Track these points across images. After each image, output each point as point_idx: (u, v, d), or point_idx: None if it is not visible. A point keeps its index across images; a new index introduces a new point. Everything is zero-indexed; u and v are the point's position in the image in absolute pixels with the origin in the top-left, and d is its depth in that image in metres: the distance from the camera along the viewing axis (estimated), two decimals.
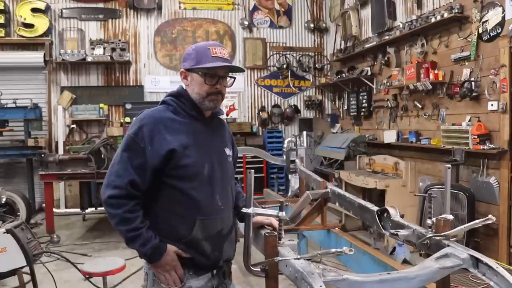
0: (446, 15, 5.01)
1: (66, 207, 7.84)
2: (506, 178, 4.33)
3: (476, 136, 4.53)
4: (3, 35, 7.65)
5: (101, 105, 8.10)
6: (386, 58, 6.62)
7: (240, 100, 8.84)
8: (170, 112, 1.82)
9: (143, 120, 1.76)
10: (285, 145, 8.41)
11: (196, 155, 1.78)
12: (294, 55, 9.02)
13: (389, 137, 6.30)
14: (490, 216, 1.53)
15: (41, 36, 7.77)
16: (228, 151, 1.97)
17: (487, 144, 4.46)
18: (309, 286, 1.34)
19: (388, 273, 1.45)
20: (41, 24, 7.77)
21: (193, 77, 1.83)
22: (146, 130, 1.73)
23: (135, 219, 1.70)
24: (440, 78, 5.21)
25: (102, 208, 7.79)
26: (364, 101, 7.29)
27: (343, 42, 8.14)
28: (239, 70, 1.95)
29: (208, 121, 1.90)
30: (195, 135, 1.82)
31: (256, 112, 8.91)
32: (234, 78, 1.91)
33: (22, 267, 3.25)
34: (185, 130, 1.79)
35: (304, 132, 8.35)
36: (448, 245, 1.58)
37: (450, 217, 1.68)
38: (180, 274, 1.78)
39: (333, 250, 1.35)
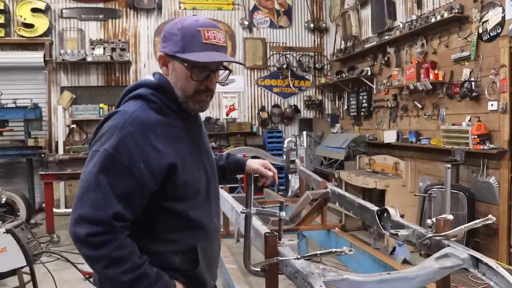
0: (446, 15, 5.00)
1: (66, 207, 7.83)
2: (506, 178, 4.33)
3: (476, 136, 4.53)
4: (3, 35, 7.64)
5: (101, 105, 8.10)
6: (386, 58, 6.62)
7: (240, 100, 8.83)
8: (154, 111, 1.38)
9: (124, 128, 1.30)
10: (285, 145, 8.40)
11: (194, 167, 1.44)
12: (294, 55, 9.02)
13: (389, 137, 6.30)
14: (490, 216, 1.53)
15: (41, 36, 7.77)
16: (213, 154, 1.65)
17: (487, 144, 4.46)
18: (309, 286, 1.34)
19: (388, 273, 1.45)
20: (41, 24, 7.76)
21: (175, 67, 1.40)
22: (131, 142, 1.29)
23: (130, 255, 1.29)
24: (440, 78, 5.21)
25: None
26: (364, 101, 7.29)
27: (343, 42, 8.14)
28: (237, 62, 1.66)
29: (194, 120, 1.53)
30: (189, 142, 1.45)
31: (256, 112, 8.91)
32: (230, 70, 1.49)
33: (22, 267, 3.25)
34: (179, 136, 1.42)
35: (304, 132, 8.35)
36: (448, 245, 1.58)
37: (450, 217, 1.68)
38: None
39: (333, 250, 1.35)
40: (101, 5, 8.29)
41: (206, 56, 1.35)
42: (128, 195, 1.28)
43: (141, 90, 1.43)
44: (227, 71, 1.47)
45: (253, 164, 1.80)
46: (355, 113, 7.60)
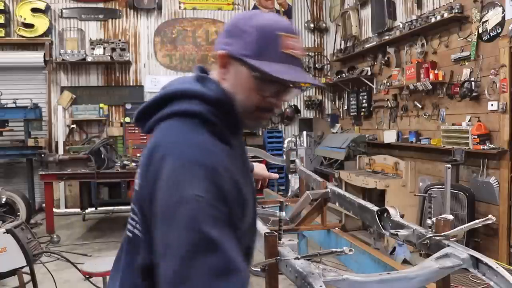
0: (446, 15, 5.01)
1: (66, 207, 7.84)
2: (506, 178, 4.33)
3: (476, 136, 4.53)
4: (3, 35, 7.65)
5: (101, 105, 8.10)
6: (386, 58, 6.62)
7: None
8: (212, 136, 1.05)
9: (206, 163, 0.97)
10: (285, 145, 8.41)
11: (251, 194, 1.20)
12: None
13: (389, 137, 6.30)
14: (490, 216, 1.53)
15: (41, 36, 7.77)
16: None
17: (487, 144, 4.46)
18: (309, 286, 1.34)
19: (388, 273, 1.45)
20: (41, 24, 7.77)
21: (240, 74, 1.09)
22: (221, 180, 0.97)
23: None
24: (440, 78, 5.21)
25: (102, 208, 7.82)
26: (364, 101, 7.29)
27: (343, 42, 8.14)
28: (321, 86, 1.29)
29: (241, 136, 1.29)
30: (242, 164, 1.20)
31: None
32: (301, 89, 1.21)
33: (22, 267, 3.25)
34: (238, 163, 1.15)
35: (304, 132, 8.36)
36: (448, 245, 1.58)
37: (450, 217, 1.68)
38: None
39: (333, 250, 1.34)
40: (101, 5, 8.29)
41: (290, 73, 1.06)
42: (236, 246, 0.95)
43: (194, 105, 1.06)
44: (297, 90, 1.18)
45: (262, 171, 1.90)
46: (355, 113, 7.60)
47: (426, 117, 5.66)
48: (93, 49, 8.04)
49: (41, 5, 7.77)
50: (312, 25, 9.06)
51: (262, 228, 1.98)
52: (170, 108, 1.08)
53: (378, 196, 5.84)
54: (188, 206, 0.91)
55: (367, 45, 7.05)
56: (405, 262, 4.68)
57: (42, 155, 6.14)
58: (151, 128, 1.11)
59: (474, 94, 4.69)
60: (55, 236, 5.84)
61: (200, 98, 1.07)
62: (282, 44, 1.07)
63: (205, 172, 0.95)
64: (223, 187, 0.96)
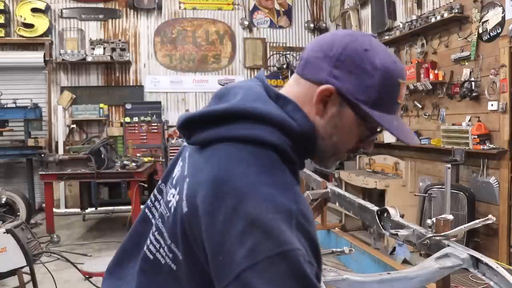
0: (446, 15, 5.01)
1: (66, 207, 7.84)
2: (506, 178, 4.33)
3: (476, 136, 4.53)
4: (3, 35, 7.64)
5: (101, 105, 8.10)
6: None
7: None
8: (289, 173, 0.88)
9: (297, 210, 0.81)
10: None
11: None
12: (294, 55, 9.02)
13: (389, 137, 6.29)
14: (490, 216, 1.53)
15: (41, 36, 7.77)
16: None
17: (487, 144, 4.46)
18: None
19: (388, 273, 1.45)
20: (41, 24, 7.77)
21: (345, 118, 0.93)
22: (312, 230, 0.84)
23: None
24: (440, 78, 5.21)
25: (102, 208, 7.79)
26: None
27: None
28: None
29: None
30: None
31: None
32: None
33: (22, 267, 3.25)
34: None
35: None
36: (448, 245, 1.58)
37: (450, 217, 1.68)
38: None
39: (333, 250, 1.35)
40: (101, 5, 8.29)
41: (405, 130, 0.97)
42: None
43: (270, 134, 0.86)
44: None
45: None
46: None
47: (426, 117, 5.66)
48: (93, 49, 8.04)
49: (41, 5, 7.77)
50: (312, 25, 9.05)
51: None
52: (236, 129, 0.87)
53: (378, 196, 5.84)
54: (291, 261, 0.76)
55: None
56: (405, 262, 4.67)
57: (42, 155, 6.14)
58: (200, 142, 0.91)
59: (474, 94, 4.69)
60: (55, 236, 5.83)
61: (280, 127, 0.87)
62: (400, 93, 0.93)
63: (296, 220, 0.80)
64: (314, 238, 0.83)
